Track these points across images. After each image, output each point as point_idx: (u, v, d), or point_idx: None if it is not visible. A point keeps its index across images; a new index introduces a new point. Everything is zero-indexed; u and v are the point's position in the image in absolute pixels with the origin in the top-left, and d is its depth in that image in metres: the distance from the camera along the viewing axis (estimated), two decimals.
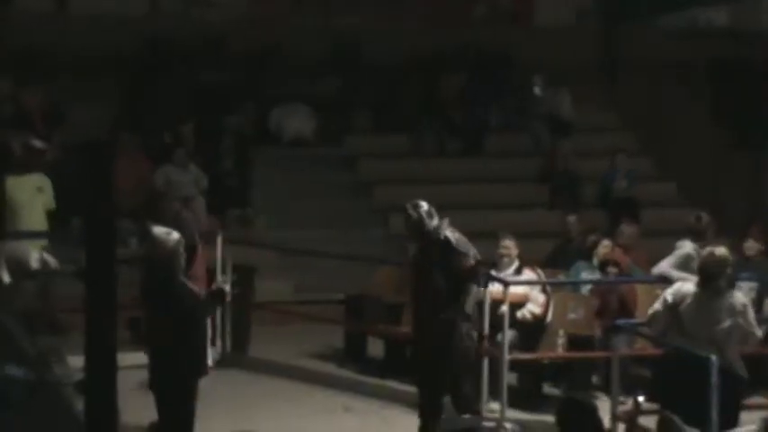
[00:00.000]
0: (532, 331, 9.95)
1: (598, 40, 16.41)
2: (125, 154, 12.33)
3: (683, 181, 15.31)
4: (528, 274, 10.14)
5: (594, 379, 10.18)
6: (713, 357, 7.52)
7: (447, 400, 8.71)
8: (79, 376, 6.50)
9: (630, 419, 8.60)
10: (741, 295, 8.07)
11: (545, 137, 15.28)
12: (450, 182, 14.56)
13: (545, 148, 15.24)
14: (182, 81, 14.43)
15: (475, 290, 8.70)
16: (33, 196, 10.94)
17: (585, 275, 10.61)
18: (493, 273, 9.82)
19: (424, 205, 8.66)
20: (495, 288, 9.59)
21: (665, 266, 9.82)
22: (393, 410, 9.54)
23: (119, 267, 5.07)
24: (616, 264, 10.53)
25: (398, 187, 13.66)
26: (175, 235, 7.91)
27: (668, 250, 10.00)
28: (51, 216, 11.03)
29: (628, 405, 8.76)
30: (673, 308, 7.90)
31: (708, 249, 8.12)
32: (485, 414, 9.40)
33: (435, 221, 8.62)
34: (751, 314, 7.92)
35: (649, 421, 8.43)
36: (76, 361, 6.83)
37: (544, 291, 10.11)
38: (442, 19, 15.60)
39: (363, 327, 11.02)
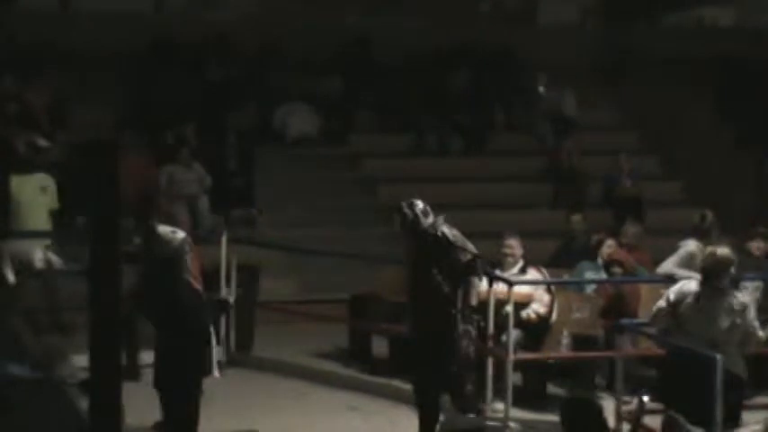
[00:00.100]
0: (537, 331, 9.94)
1: (602, 39, 16.40)
2: (129, 153, 12.33)
3: (689, 180, 15.30)
4: (533, 274, 10.13)
5: (598, 379, 10.16)
6: (717, 356, 7.51)
7: (447, 399, 8.69)
8: (83, 375, 6.50)
9: (635, 419, 8.59)
10: (742, 295, 8.06)
11: (549, 136, 15.28)
12: (454, 181, 14.55)
13: (549, 147, 15.23)
14: (186, 80, 14.43)
15: (477, 283, 8.66)
16: (37, 196, 10.94)
17: (590, 275, 10.60)
18: (497, 272, 9.81)
19: (420, 204, 8.65)
20: (499, 288, 9.59)
21: (669, 266, 9.83)
22: (398, 410, 9.53)
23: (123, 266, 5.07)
24: (620, 263, 10.52)
25: (402, 186, 13.64)
26: (180, 234, 7.93)
27: (673, 250, 10.00)
28: (56, 215, 11.04)
29: (632, 405, 8.75)
30: (674, 306, 7.91)
31: (710, 249, 8.12)
32: (489, 414, 9.41)
33: (430, 219, 8.61)
34: (751, 314, 7.90)
35: (654, 421, 8.43)
36: (81, 360, 6.84)
37: (548, 290, 10.10)
38: (446, 18, 15.59)
39: (368, 326, 11.01)
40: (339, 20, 15.20)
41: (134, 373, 9.35)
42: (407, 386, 9.21)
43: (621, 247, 10.91)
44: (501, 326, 9.47)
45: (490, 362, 9.47)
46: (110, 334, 5.70)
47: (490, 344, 9.47)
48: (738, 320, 7.77)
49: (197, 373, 7.85)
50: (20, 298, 10.18)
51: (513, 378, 9.52)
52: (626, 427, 8.61)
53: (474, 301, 8.62)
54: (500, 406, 9.44)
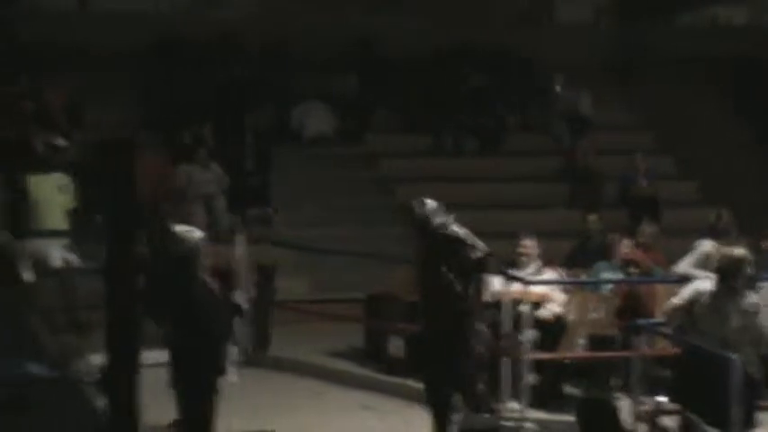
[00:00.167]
0: (553, 331, 9.94)
1: (617, 39, 16.38)
2: (146, 153, 12.37)
3: (705, 180, 15.27)
4: (548, 274, 10.14)
5: (614, 379, 10.15)
6: (735, 357, 7.51)
7: (458, 398, 8.69)
8: (101, 374, 6.54)
9: (651, 419, 8.59)
10: (755, 296, 8.05)
11: (565, 136, 15.27)
12: (471, 180, 14.56)
13: (565, 147, 15.22)
14: (200, 80, 14.47)
15: (488, 280, 8.65)
16: (55, 195, 10.99)
17: (606, 276, 10.59)
18: (513, 272, 9.82)
19: (431, 202, 8.65)
20: (515, 287, 9.59)
21: (684, 266, 9.83)
22: (413, 409, 9.54)
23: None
24: (636, 263, 10.51)
25: (419, 186, 13.64)
26: (197, 233, 7.95)
27: (688, 250, 9.99)
28: (73, 214, 11.08)
29: (649, 405, 8.74)
30: (688, 305, 7.92)
31: (725, 249, 8.13)
32: (505, 414, 9.41)
33: (441, 218, 8.61)
34: (764, 316, 7.88)
35: (671, 421, 8.42)
36: (98, 359, 6.88)
37: (564, 290, 10.10)
38: (462, 18, 15.59)
39: (383, 325, 11.02)
40: (350, 19, 15.20)
41: None
42: (422, 386, 9.22)
43: (637, 247, 10.90)
44: (517, 325, 9.48)
45: (506, 361, 9.48)
46: (126, 333, 5.75)
47: (506, 343, 9.48)
48: (749, 321, 7.77)
49: (212, 372, 7.87)
50: (37, 297, 10.22)
51: (529, 378, 9.52)
52: (642, 427, 8.60)
53: (487, 298, 8.62)
54: (516, 406, 9.45)
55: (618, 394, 9.56)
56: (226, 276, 10.15)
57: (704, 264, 9.51)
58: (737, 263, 7.86)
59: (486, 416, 9.04)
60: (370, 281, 11.50)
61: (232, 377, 8.76)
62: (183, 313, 7.79)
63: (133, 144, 7.54)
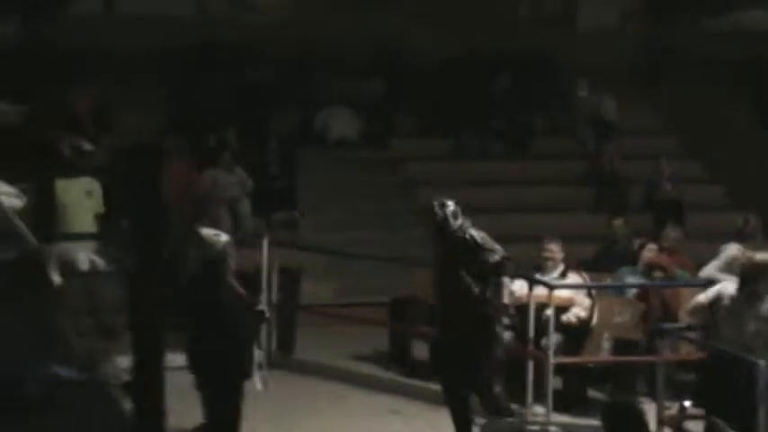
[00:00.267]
0: (577, 335, 9.95)
1: (642, 43, 16.36)
2: (172, 157, 12.42)
3: (731, 184, 15.22)
4: (573, 278, 10.14)
5: (639, 383, 10.14)
6: (761, 362, 7.50)
7: (476, 400, 8.71)
8: (127, 377, 6.58)
9: (676, 424, 8.58)
10: None
11: (590, 140, 15.25)
12: (495, 184, 14.57)
13: (590, 151, 15.21)
14: (227, 83, 14.54)
15: (507, 283, 8.65)
16: (82, 199, 11.04)
17: (630, 280, 10.58)
18: (538, 276, 9.83)
19: (451, 205, 8.67)
20: (539, 291, 9.60)
21: (711, 270, 9.84)
22: (437, 413, 9.54)
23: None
24: (661, 267, 10.51)
25: (443, 189, 13.62)
26: (224, 237, 8.01)
27: (715, 254, 9.98)
28: (101, 219, 11.14)
29: (673, 410, 8.74)
30: (711, 305, 7.94)
31: (749, 253, 8.13)
32: (530, 417, 9.42)
33: (460, 221, 8.63)
34: None
35: (695, 426, 8.41)
36: (125, 361, 6.93)
37: (589, 294, 10.10)
38: (486, 22, 15.60)
39: (408, 329, 11.05)
40: (375, 24, 15.23)
41: None
42: (441, 388, 9.23)
43: (662, 251, 10.89)
44: (542, 329, 9.48)
45: (531, 365, 9.49)
46: (152, 336, 5.79)
47: (531, 347, 9.49)
48: (764, 326, 7.76)
49: (237, 376, 7.92)
50: (66, 300, 10.28)
51: (554, 382, 9.54)
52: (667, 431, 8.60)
53: (506, 301, 8.62)
54: (541, 410, 9.46)
55: (643, 399, 9.58)
56: (251, 280, 10.20)
57: (730, 267, 9.51)
58: (759, 268, 7.87)
59: (511, 420, 9.05)
60: (395, 284, 11.51)
61: (257, 384, 8.80)
62: (210, 317, 7.84)
63: (160, 149, 7.59)
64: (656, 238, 11.27)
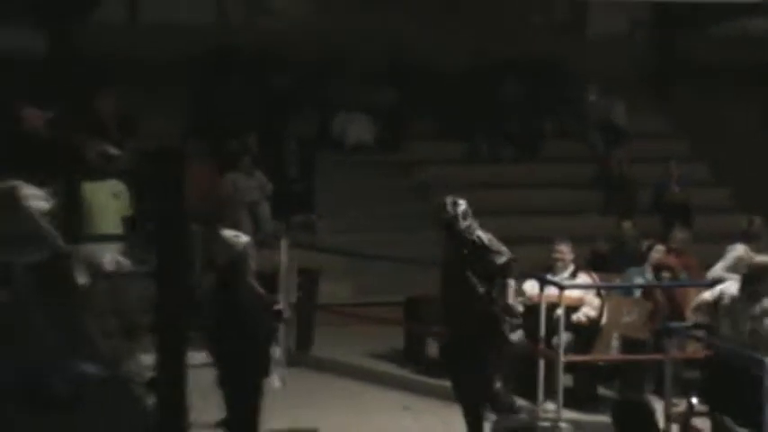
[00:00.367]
0: (587, 334, 10.13)
1: (651, 48, 16.47)
2: (195, 161, 12.61)
3: (738, 187, 15.33)
4: (583, 279, 10.33)
5: (647, 381, 10.30)
6: (766, 360, 7.66)
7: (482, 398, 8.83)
8: (150, 374, 6.81)
9: (684, 421, 8.73)
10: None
11: (600, 144, 15.38)
12: (507, 187, 14.67)
13: (600, 154, 15.34)
14: (247, 89, 14.72)
15: (512, 284, 8.73)
16: (110, 201, 11.16)
17: (638, 281, 10.75)
18: (549, 276, 10.02)
19: (463, 204, 8.72)
20: (550, 291, 9.80)
21: (718, 270, 9.99)
22: (451, 410, 9.64)
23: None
24: (669, 268, 10.68)
25: (455, 192, 13.79)
26: (244, 238, 8.20)
27: (721, 256, 10.15)
28: (128, 221, 11.28)
29: (681, 407, 8.90)
30: (715, 304, 8.11)
31: (754, 254, 8.30)
32: (541, 414, 9.61)
33: (468, 222, 8.68)
34: None
35: (703, 423, 8.57)
36: (148, 359, 7.16)
37: (598, 294, 10.30)
38: (498, 27, 15.73)
39: (422, 328, 11.22)
40: (390, 31, 15.36)
41: None
42: (451, 386, 9.38)
43: (669, 252, 11.06)
44: (552, 328, 9.68)
45: (542, 363, 9.67)
46: (175, 335, 6.00)
47: (542, 346, 9.69)
48: (759, 325, 7.94)
49: (257, 375, 8.08)
50: (92, 300, 10.45)
51: (565, 380, 9.72)
52: (674, 428, 8.73)
53: (510, 301, 8.68)
54: (552, 406, 9.65)
55: (650, 396, 9.76)
56: (270, 281, 10.41)
57: (736, 267, 9.67)
58: (761, 269, 8.04)
59: (522, 416, 9.22)
60: (410, 285, 11.65)
61: (275, 381, 8.99)
62: (230, 316, 8.05)
63: (183, 153, 7.77)
64: (664, 239, 11.42)
